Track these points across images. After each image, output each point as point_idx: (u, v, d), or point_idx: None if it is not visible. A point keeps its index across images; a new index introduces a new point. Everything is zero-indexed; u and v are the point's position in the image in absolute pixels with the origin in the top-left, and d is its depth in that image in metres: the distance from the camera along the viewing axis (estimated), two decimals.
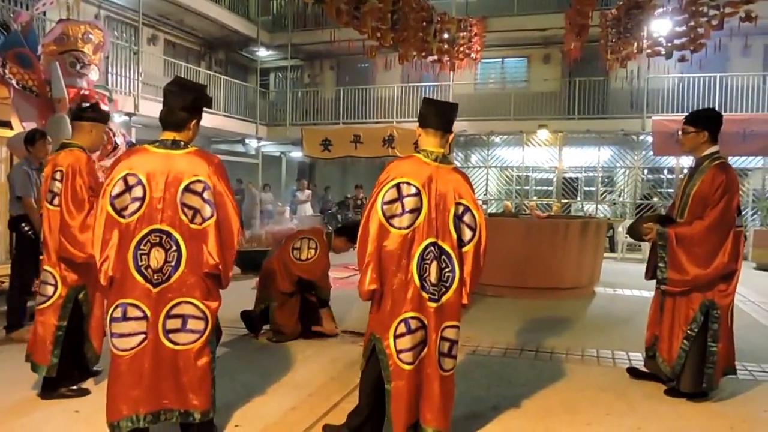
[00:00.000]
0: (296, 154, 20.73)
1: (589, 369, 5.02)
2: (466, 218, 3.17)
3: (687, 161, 16.87)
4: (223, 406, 3.91)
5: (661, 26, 9.34)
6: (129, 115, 13.97)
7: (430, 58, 11.18)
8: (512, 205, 17.08)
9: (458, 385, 4.38)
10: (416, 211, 3.10)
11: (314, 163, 20.25)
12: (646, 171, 18.16)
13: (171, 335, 3.06)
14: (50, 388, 4.05)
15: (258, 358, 5.23)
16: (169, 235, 3.05)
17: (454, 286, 3.16)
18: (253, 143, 20.10)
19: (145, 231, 3.04)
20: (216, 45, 20.47)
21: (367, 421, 3.29)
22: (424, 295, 3.12)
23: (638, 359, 5.15)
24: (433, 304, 3.12)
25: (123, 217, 3.04)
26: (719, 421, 3.91)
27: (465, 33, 12.40)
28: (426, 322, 3.13)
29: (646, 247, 13.37)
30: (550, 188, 18.55)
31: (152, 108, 14.92)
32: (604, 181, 18.46)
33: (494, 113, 17.77)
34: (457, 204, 3.16)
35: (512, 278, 8.34)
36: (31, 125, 8.09)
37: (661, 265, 4.22)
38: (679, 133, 4.54)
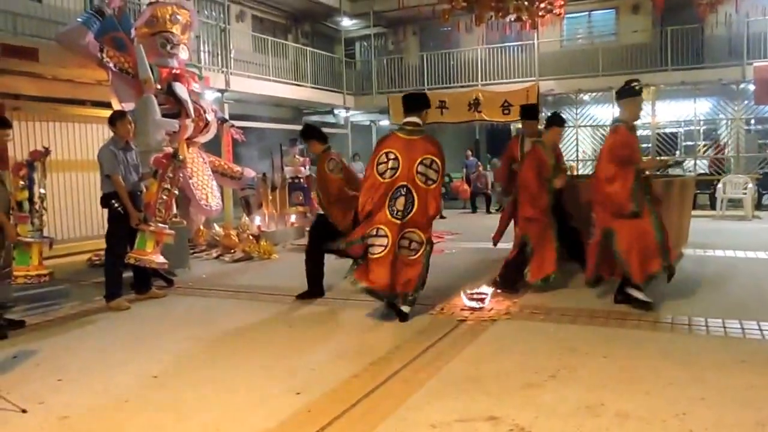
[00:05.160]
0: (386, 122, 20.88)
1: (660, 336, 4.81)
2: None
3: None
4: (288, 372, 4.20)
5: None
6: (221, 91, 14.48)
7: (509, 18, 10.93)
8: None
9: (518, 354, 4.46)
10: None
11: None
12: (753, 122, 17.03)
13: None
14: None
15: (329, 326, 5.47)
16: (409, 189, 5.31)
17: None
18: (342, 113, 20.40)
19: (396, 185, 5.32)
20: (301, 17, 20.80)
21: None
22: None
23: (718, 326, 4.97)
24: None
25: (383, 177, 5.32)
26: None
27: None
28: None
29: (747, 203, 12.80)
30: (648, 145, 17.75)
31: (243, 84, 15.42)
32: (709, 135, 17.50)
33: (582, 70, 17.23)
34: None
35: None
36: (129, 105, 8.66)
37: None
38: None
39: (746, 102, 16.19)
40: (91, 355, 4.75)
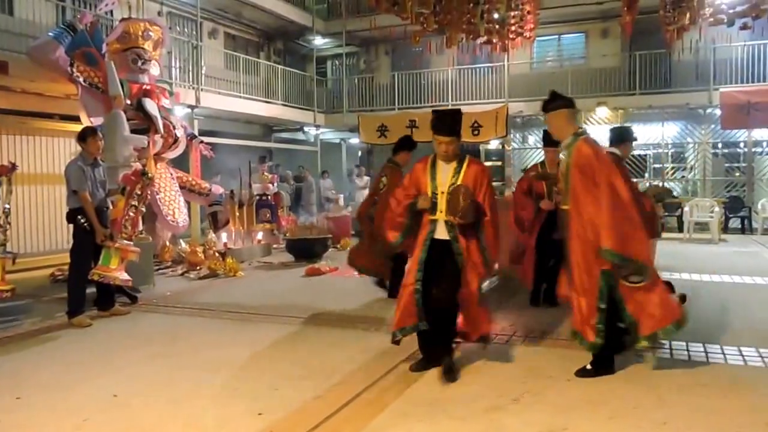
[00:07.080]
0: (356, 140, 20.97)
1: (623, 359, 4.68)
2: None
3: (760, 134, 16.20)
4: (250, 393, 4.18)
5: None
6: (191, 107, 14.42)
7: (479, 40, 11.04)
8: None
9: (483, 377, 4.42)
10: None
11: (372, 149, 20.41)
12: (720, 145, 17.51)
13: None
14: None
15: (293, 346, 5.42)
16: None
17: None
18: (312, 131, 20.43)
19: None
20: (274, 35, 20.85)
21: None
22: None
23: (682, 349, 4.97)
24: None
25: None
26: (757, 417, 3.63)
27: (516, 12, 12.17)
28: None
29: (714, 226, 13.05)
30: None
31: (213, 100, 15.38)
32: (678, 158, 17.96)
33: None
34: None
35: None
36: (98, 120, 8.59)
37: None
38: None
39: (713, 126, 16.69)
40: (51, 373, 4.68)
